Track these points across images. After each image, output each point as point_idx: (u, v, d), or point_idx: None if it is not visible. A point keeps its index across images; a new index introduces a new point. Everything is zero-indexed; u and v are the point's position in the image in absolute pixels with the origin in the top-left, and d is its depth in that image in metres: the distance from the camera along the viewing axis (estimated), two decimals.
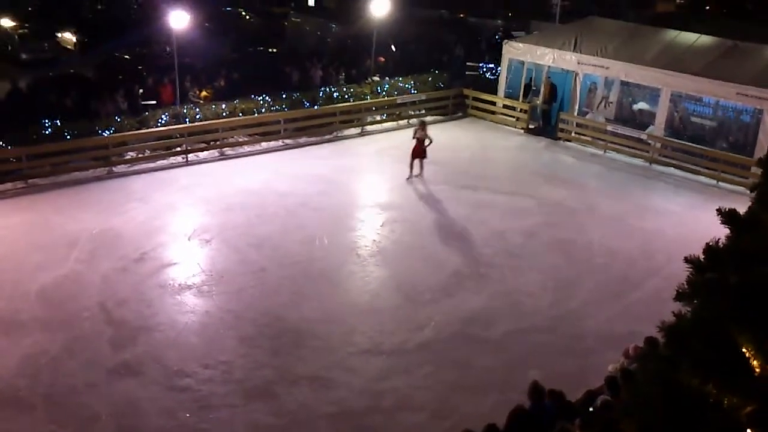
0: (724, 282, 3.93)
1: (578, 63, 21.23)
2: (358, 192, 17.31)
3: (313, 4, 43.42)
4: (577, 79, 21.41)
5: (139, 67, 22.61)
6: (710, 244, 4.31)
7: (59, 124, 16.50)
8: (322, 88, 21.24)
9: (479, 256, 13.69)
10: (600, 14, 25.00)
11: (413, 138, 17.14)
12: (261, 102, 19.53)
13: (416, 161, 17.16)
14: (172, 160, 17.88)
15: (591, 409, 7.50)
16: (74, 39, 29.62)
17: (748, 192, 6.14)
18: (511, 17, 37.36)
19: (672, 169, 19.27)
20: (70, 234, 13.44)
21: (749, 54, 19.28)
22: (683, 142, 19.42)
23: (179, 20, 18.01)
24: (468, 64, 26.69)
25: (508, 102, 23.03)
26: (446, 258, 13.62)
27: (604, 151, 20.59)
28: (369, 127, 21.66)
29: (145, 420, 8.82)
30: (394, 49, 26.59)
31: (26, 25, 29.49)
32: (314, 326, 10.97)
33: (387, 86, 22.20)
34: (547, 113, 22.36)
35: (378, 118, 22.15)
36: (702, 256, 4.26)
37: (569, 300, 12.26)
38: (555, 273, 13.15)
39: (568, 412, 7.48)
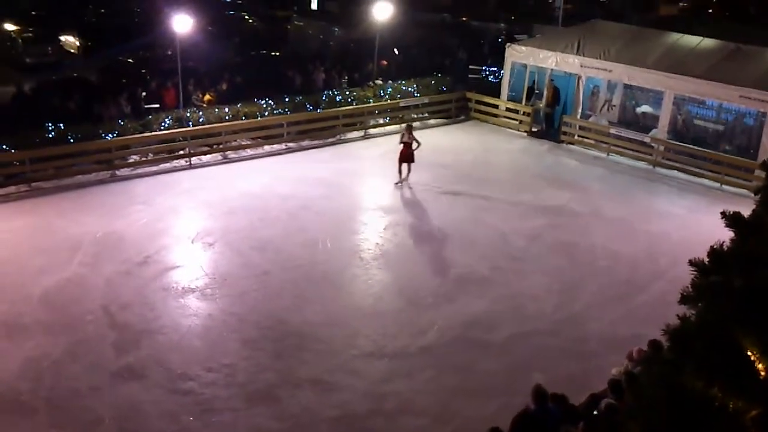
0: (728, 285, 3.93)
1: (581, 66, 21.21)
2: (360, 195, 17.30)
3: (316, 8, 43.46)
4: (580, 82, 21.40)
5: (143, 71, 22.62)
6: (714, 247, 4.31)
7: (63, 127, 16.54)
8: (325, 92, 21.25)
9: (482, 259, 13.67)
10: (603, 17, 25.00)
11: (400, 142, 16.95)
12: (264, 105, 19.55)
13: (404, 165, 16.95)
14: (175, 163, 17.90)
15: (595, 413, 7.47)
16: (78, 43, 29.60)
17: (752, 195, 6.12)
18: (513, 20, 37.30)
19: (675, 172, 19.24)
20: (73, 237, 13.46)
21: (752, 57, 19.24)
22: (686, 145, 19.38)
23: (182, 24, 18.06)
24: (471, 67, 26.68)
25: (511, 105, 23.00)
26: (449, 261, 13.62)
27: (607, 154, 20.57)
28: (372, 131, 21.65)
29: (147, 423, 8.81)
30: (396, 52, 26.61)
31: (30, 29, 29.45)
32: (317, 329, 10.97)
33: (390, 89, 22.21)
34: (550, 116, 22.34)
35: (381, 121, 22.14)
36: (706, 259, 4.26)
37: (572, 303, 12.24)
38: (558, 276, 13.12)
39: (572, 415, 7.46)
